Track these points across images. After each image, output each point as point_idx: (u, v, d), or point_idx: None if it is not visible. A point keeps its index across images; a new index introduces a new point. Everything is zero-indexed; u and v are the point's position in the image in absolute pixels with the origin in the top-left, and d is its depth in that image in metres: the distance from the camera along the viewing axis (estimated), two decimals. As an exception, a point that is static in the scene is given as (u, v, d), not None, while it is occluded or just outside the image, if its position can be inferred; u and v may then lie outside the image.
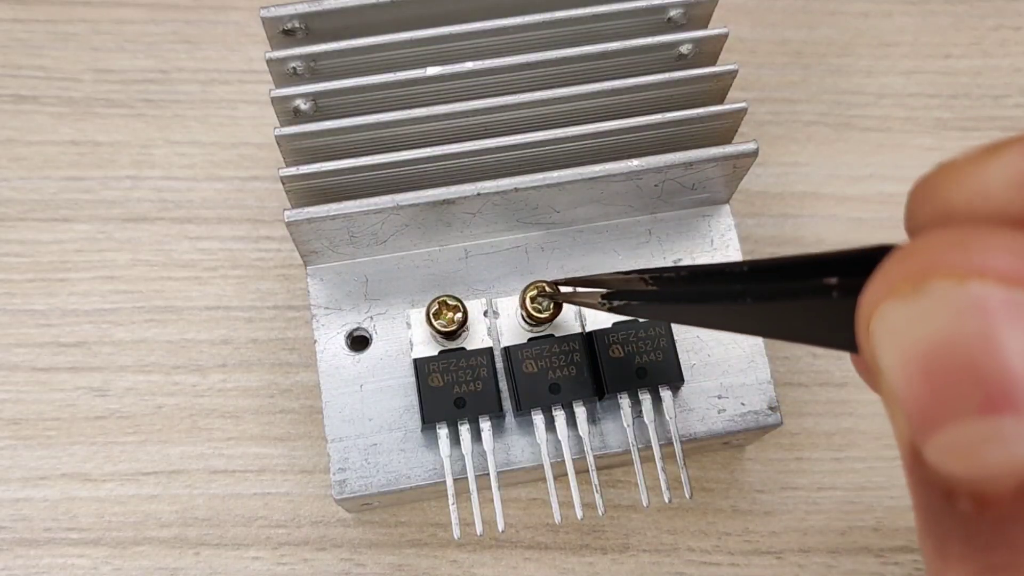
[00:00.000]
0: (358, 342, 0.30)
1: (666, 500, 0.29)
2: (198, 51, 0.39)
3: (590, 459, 0.29)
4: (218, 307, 0.36)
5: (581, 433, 0.29)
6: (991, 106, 0.39)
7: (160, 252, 0.36)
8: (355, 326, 0.30)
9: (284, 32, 0.29)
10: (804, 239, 0.37)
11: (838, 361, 0.36)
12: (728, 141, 0.30)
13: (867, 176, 0.38)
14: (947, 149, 0.38)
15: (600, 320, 0.30)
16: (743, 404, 0.30)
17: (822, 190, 0.38)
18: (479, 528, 0.28)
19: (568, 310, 0.30)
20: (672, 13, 0.30)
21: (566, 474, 0.29)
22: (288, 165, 0.29)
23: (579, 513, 0.28)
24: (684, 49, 0.30)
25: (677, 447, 0.29)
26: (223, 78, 0.38)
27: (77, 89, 0.38)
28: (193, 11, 0.39)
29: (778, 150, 0.38)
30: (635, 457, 0.29)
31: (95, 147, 0.37)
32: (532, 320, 0.29)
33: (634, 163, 0.29)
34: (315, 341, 0.30)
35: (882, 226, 0.37)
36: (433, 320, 0.29)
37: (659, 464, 0.29)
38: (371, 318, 0.31)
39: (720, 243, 0.32)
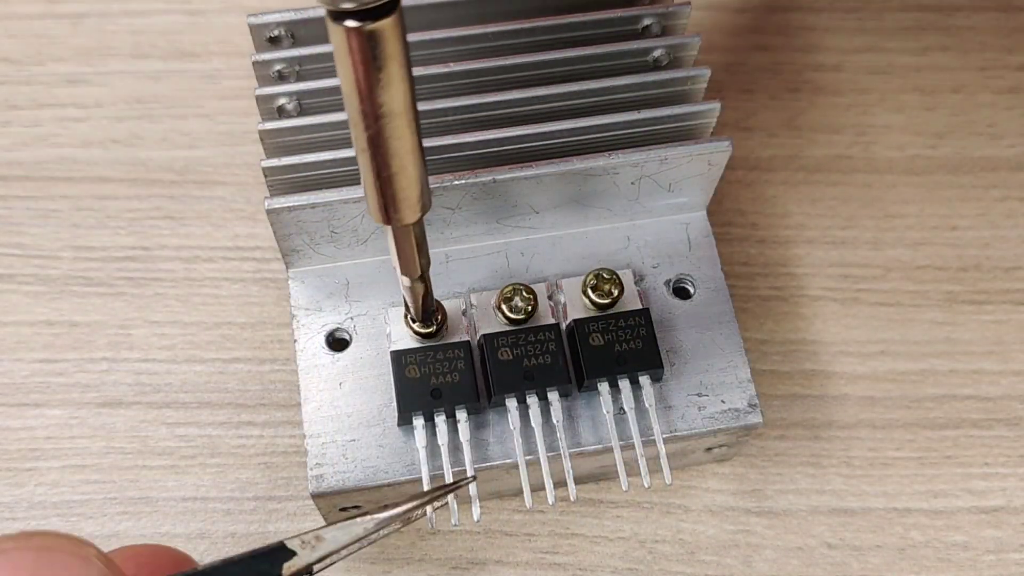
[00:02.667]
0: (338, 343, 0.31)
1: (645, 485, 0.29)
2: (181, 227, 0.38)
3: (563, 445, 0.29)
4: (195, 498, 0.34)
5: (555, 420, 0.29)
6: (1003, 279, 0.38)
7: (135, 439, 0.34)
8: (335, 327, 0.31)
9: (270, 40, 0.31)
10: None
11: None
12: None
13: (878, 353, 0.36)
14: (959, 324, 0.37)
15: (578, 310, 0.31)
16: (723, 402, 0.31)
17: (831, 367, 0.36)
18: (454, 519, 0.28)
19: (545, 307, 0.30)
20: (647, 22, 0.32)
21: (549, 463, 0.29)
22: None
23: (550, 498, 0.29)
24: (657, 53, 0.31)
25: (657, 434, 0.29)
26: (207, 255, 0.37)
27: (55, 267, 0.37)
28: (177, 186, 0.38)
29: (784, 326, 0.37)
30: (615, 444, 0.29)
31: (71, 328, 0.36)
32: (508, 322, 0.30)
33: (610, 157, 0.30)
34: (295, 341, 0.31)
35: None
36: (413, 324, 0.29)
37: (638, 451, 0.29)
38: (351, 319, 0.31)
39: (697, 249, 0.33)
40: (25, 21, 0.42)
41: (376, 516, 0.24)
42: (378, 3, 0.18)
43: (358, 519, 0.23)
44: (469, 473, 0.29)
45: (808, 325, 0.37)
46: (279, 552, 0.22)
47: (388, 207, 0.23)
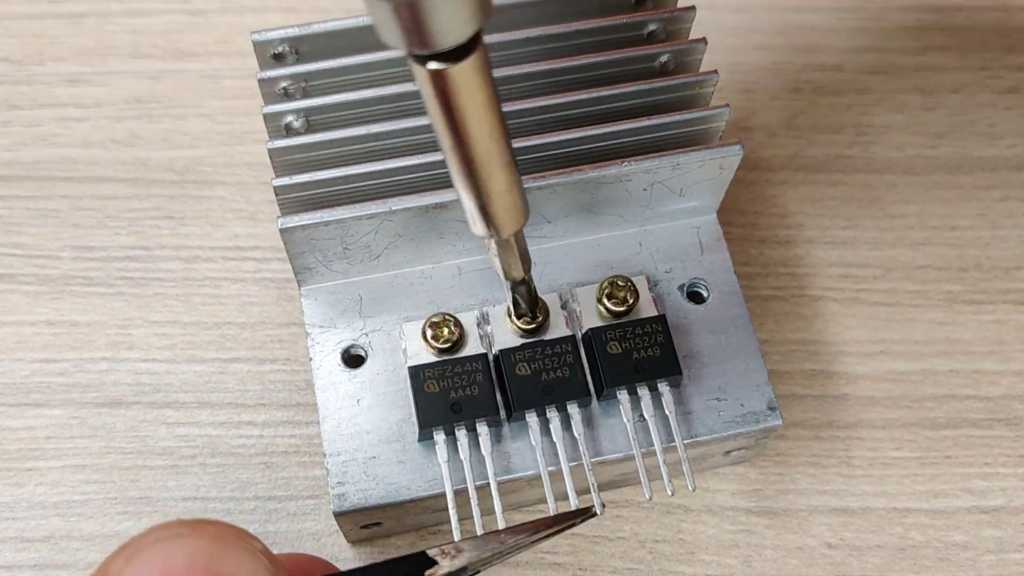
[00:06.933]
0: (354, 359, 0.31)
1: (669, 492, 0.29)
2: (181, 227, 0.37)
3: (586, 460, 0.29)
4: (195, 498, 0.34)
5: (576, 433, 0.29)
6: (1003, 279, 0.38)
7: (135, 439, 0.34)
8: (350, 343, 0.31)
9: (274, 56, 0.30)
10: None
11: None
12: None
13: (878, 353, 0.36)
14: (959, 324, 0.37)
15: (594, 318, 0.31)
16: (742, 405, 0.31)
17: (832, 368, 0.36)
18: (479, 532, 0.27)
19: (558, 316, 0.30)
20: (652, 27, 0.32)
21: (572, 474, 0.29)
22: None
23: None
24: (664, 58, 0.31)
25: (678, 440, 0.29)
26: (207, 255, 0.37)
27: (55, 267, 0.37)
28: (177, 186, 0.38)
29: (784, 326, 0.37)
30: (636, 452, 0.29)
31: (71, 327, 0.36)
32: (522, 331, 0.30)
33: (623, 165, 0.30)
34: (310, 359, 0.31)
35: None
36: (429, 340, 0.29)
37: (660, 458, 0.29)
38: (366, 335, 0.31)
39: (709, 252, 0.33)
40: (25, 21, 0.42)
41: (515, 537, 0.24)
42: (457, 44, 0.18)
43: (500, 534, 0.24)
44: (493, 487, 0.29)
45: (808, 325, 0.37)
46: (421, 559, 0.22)
47: (489, 223, 0.24)
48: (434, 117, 0.20)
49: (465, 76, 0.19)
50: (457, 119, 0.20)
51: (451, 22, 0.18)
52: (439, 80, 0.19)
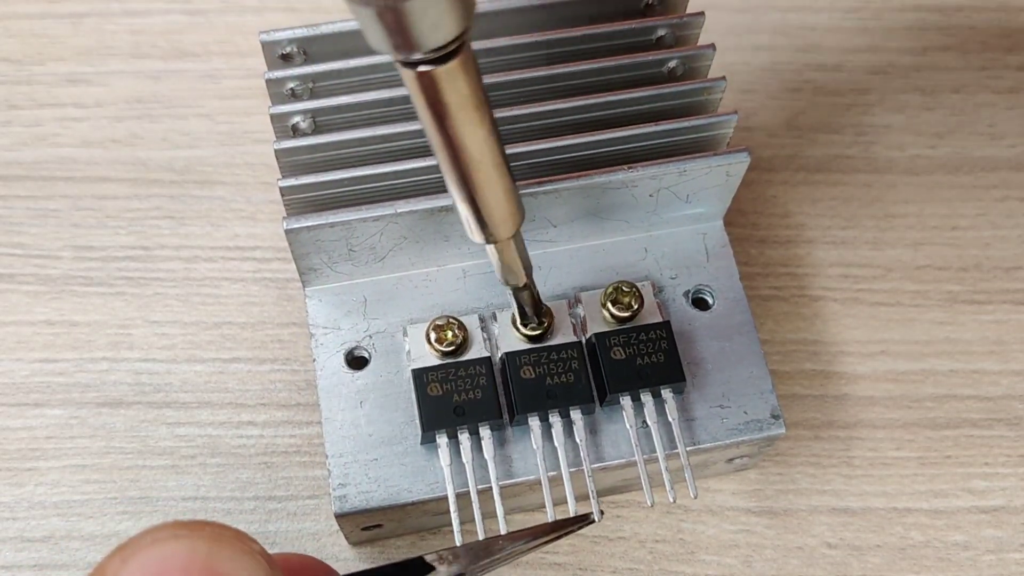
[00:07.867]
0: (357, 361, 0.31)
1: (670, 499, 0.29)
2: (181, 227, 0.37)
3: (586, 466, 0.29)
4: (195, 498, 0.34)
5: (578, 439, 0.29)
6: (1003, 279, 0.38)
7: (135, 439, 0.34)
8: (354, 345, 0.31)
9: (282, 57, 0.30)
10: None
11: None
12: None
13: (878, 353, 0.36)
14: (959, 324, 0.37)
15: (598, 323, 0.30)
16: (745, 413, 0.30)
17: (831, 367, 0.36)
18: (481, 535, 0.27)
19: (563, 321, 0.30)
20: (661, 32, 0.31)
21: (572, 480, 0.29)
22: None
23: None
24: (672, 64, 0.31)
25: (681, 447, 0.29)
26: (207, 255, 0.37)
27: (55, 267, 0.37)
28: (177, 186, 0.38)
29: (784, 327, 0.37)
30: (639, 459, 0.29)
31: (71, 327, 0.36)
32: (526, 337, 0.30)
33: (629, 170, 0.30)
34: (314, 360, 0.31)
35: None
36: (433, 342, 0.29)
37: (662, 464, 0.29)
38: (370, 337, 0.31)
39: (715, 259, 0.32)
40: (25, 21, 0.42)
41: (512, 544, 0.24)
42: (445, 50, 0.19)
43: (498, 540, 0.24)
44: (495, 491, 0.29)
45: (808, 325, 0.37)
46: (419, 565, 0.22)
47: (484, 227, 0.24)
48: (424, 120, 0.21)
49: (452, 77, 0.19)
50: (447, 121, 0.20)
51: (435, 24, 0.18)
52: (427, 82, 0.19)
